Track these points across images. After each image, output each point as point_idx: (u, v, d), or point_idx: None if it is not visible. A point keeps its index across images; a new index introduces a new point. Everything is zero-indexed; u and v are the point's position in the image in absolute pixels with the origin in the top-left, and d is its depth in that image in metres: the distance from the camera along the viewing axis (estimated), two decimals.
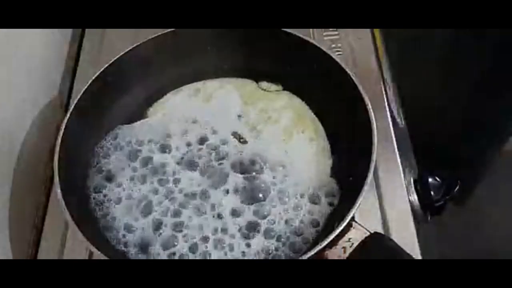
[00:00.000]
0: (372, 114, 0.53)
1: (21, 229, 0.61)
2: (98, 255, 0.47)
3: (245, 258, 0.52)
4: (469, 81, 0.84)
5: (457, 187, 0.62)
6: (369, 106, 0.54)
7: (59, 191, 0.50)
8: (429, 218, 0.62)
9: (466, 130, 0.84)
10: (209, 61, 0.66)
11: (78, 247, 0.58)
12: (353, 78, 0.56)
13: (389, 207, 0.59)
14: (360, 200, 0.47)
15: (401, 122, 0.69)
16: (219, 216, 0.55)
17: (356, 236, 0.47)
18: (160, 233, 0.54)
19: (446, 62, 0.85)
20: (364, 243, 0.46)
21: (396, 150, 0.62)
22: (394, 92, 0.71)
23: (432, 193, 0.61)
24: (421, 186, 0.61)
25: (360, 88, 0.55)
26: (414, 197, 0.60)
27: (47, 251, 0.60)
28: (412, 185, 0.61)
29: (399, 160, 0.62)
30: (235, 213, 0.55)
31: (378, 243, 0.46)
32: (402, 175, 0.61)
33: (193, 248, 0.53)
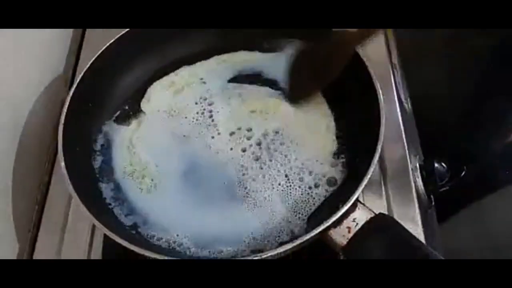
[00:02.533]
0: (381, 96, 0.52)
1: (24, 205, 0.61)
2: (100, 228, 0.46)
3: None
4: (474, 74, 0.84)
5: (463, 173, 0.61)
6: (379, 89, 0.53)
7: (62, 164, 0.50)
8: (432, 204, 0.62)
9: (470, 121, 0.83)
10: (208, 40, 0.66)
11: (80, 222, 0.58)
12: (363, 59, 0.55)
13: (394, 191, 0.58)
14: (366, 180, 0.47)
15: (408, 107, 0.68)
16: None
17: (361, 216, 0.46)
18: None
19: (453, 52, 0.84)
20: (369, 223, 0.46)
21: (403, 133, 0.62)
22: (402, 76, 0.70)
23: (437, 178, 0.60)
24: (426, 171, 0.61)
25: (371, 70, 0.54)
26: (419, 182, 0.60)
27: (49, 226, 0.60)
28: (418, 170, 0.61)
29: (405, 144, 0.61)
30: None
31: (383, 224, 0.46)
32: (408, 159, 0.60)
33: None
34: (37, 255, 0.58)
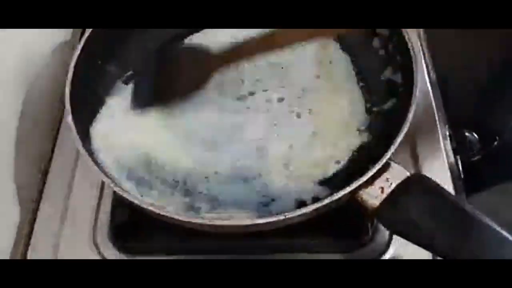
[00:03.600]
0: (415, 54, 0.49)
1: (27, 173, 0.58)
2: (109, 184, 0.42)
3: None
4: (500, 43, 0.79)
5: (495, 143, 0.58)
6: (412, 47, 0.49)
7: (70, 118, 0.46)
8: (461, 175, 0.58)
9: (496, 92, 0.78)
10: None
11: (86, 189, 0.55)
12: None
13: (424, 159, 0.54)
14: (400, 137, 0.43)
15: (433, 77, 0.64)
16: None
17: (395, 176, 0.42)
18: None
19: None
20: (405, 182, 0.41)
21: (432, 100, 0.58)
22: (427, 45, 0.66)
23: (468, 147, 0.57)
24: (457, 140, 0.57)
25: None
26: (450, 151, 0.56)
27: (53, 192, 0.56)
28: (448, 139, 0.57)
29: (435, 110, 0.57)
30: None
31: (421, 183, 0.42)
32: (438, 126, 0.56)
33: None
34: (39, 225, 0.54)
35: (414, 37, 0.63)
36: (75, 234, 0.53)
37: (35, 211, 0.56)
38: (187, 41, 0.61)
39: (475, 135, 0.58)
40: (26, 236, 0.54)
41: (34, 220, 0.55)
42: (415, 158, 0.54)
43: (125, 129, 0.54)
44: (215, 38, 0.60)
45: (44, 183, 0.58)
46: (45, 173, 0.59)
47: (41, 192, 0.57)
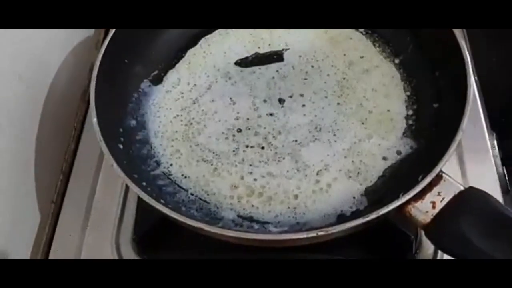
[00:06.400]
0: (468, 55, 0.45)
1: (47, 175, 0.55)
2: (134, 189, 0.40)
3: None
4: None
5: None
6: (464, 46, 0.45)
7: (94, 120, 0.43)
8: (509, 189, 0.53)
9: None
10: None
11: (110, 195, 0.52)
12: None
13: (471, 169, 0.50)
14: (454, 146, 0.39)
15: (478, 79, 0.60)
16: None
17: (447, 189, 0.39)
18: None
19: None
20: (458, 197, 0.38)
21: (479, 107, 0.54)
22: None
23: None
24: (504, 151, 0.53)
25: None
26: (499, 162, 0.52)
27: (75, 197, 0.54)
28: (496, 148, 0.53)
29: (483, 117, 0.53)
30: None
31: (476, 198, 0.38)
32: (487, 135, 0.52)
33: None
34: (60, 230, 0.52)
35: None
36: (97, 239, 0.50)
37: (56, 214, 0.54)
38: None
39: None
40: (46, 241, 0.53)
41: (55, 223, 0.53)
42: (462, 168, 0.50)
43: None
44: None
45: (66, 184, 0.55)
46: (67, 174, 0.56)
47: (63, 194, 0.55)
